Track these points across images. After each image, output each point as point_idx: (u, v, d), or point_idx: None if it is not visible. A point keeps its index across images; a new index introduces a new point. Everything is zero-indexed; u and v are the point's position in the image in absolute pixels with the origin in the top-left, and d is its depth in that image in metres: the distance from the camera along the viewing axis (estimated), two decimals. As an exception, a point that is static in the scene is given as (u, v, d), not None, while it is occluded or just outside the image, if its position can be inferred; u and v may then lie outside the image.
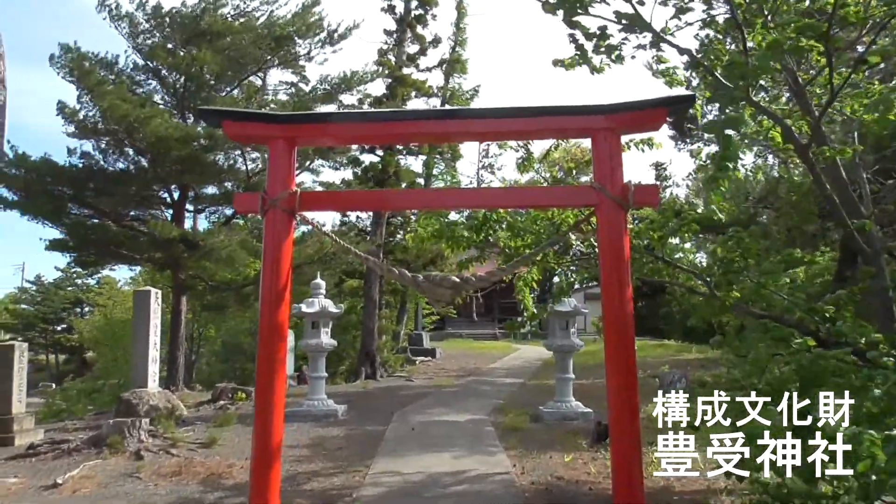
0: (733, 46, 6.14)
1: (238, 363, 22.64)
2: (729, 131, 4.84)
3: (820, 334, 5.22)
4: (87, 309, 37.85)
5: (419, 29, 19.89)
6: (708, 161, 9.20)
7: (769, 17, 5.34)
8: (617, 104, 4.64)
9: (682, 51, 5.79)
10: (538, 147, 8.70)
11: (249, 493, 4.75)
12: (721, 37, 6.35)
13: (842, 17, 4.53)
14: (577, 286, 8.41)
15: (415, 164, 21.30)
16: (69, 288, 39.55)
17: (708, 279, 6.35)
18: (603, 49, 5.85)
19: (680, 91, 6.50)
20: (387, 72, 18.50)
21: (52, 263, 58.56)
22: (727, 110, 5.35)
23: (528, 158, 7.55)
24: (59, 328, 38.50)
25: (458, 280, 4.94)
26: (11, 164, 14.49)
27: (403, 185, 18.93)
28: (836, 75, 5.36)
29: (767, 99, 7.77)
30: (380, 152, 19.11)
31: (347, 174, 20.17)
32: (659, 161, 35.63)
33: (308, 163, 18.04)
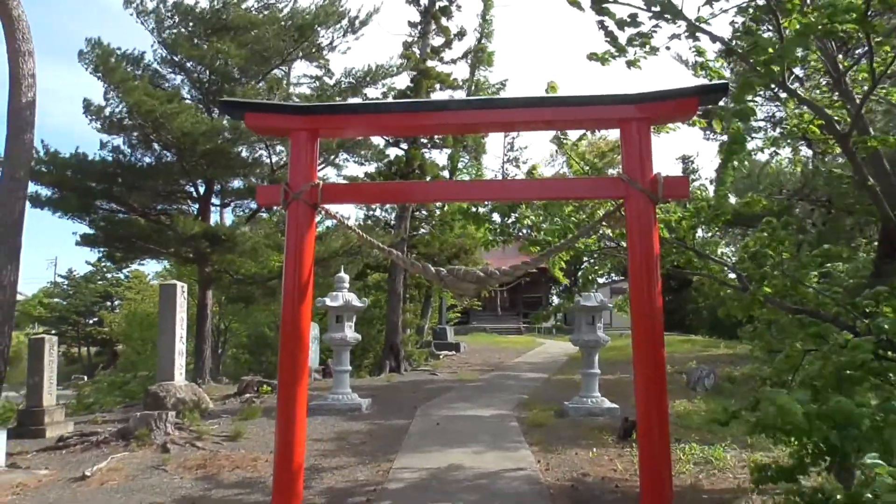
0: (770, 35, 5.93)
1: (264, 356, 22.80)
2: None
3: (857, 330, 5.03)
4: (116, 302, 38.60)
5: (444, 21, 19.70)
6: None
7: (807, 1, 5.13)
8: (647, 93, 4.50)
9: (714, 38, 5.60)
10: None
11: (273, 487, 4.74)
12: (756, 24, 6.13)
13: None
14: (602, 279, 8.28)
15: (439, 157, 21.18)
16: (99, 282, 40.37)
17: (741, 272, 6.18)
18: (637, 42, 5.67)
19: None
20: (411, 64, 18.37)
21: (83, 258, 59.66)
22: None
23: (561, 145, 7.40)
24: (90, 321, 39.32)
25: (481, 274, 4.84)
26: (42, 162, 14.69)
27: (428, 179, 18.84)
28: (878, 61, 5.14)
29: (805, 88, 7.51)
30: (404, 146, 19.04)
31: (371, 168, 20.18)
32: (686, 154, 35.11)
33: (332, 157, 18.04)
